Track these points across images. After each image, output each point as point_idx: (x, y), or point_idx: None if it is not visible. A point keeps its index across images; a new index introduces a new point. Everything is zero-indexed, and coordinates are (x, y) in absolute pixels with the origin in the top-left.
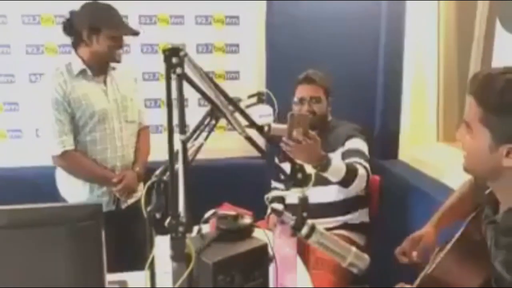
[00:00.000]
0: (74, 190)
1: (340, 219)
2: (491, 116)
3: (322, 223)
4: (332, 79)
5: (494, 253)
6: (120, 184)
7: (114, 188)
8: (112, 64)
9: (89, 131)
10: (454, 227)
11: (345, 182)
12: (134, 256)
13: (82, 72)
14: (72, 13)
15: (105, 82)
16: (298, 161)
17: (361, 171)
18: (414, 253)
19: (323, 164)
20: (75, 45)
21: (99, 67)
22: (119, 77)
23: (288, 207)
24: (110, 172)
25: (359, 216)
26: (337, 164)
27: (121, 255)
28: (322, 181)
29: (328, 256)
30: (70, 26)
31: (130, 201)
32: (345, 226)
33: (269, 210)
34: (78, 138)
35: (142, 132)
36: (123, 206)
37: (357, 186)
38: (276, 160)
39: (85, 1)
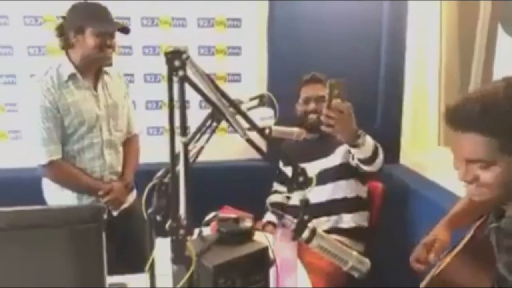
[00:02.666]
0: (61, 200)
1: (333, 218)
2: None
3: (315, 223)
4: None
5: (498, 256)
6: (108, 196)
7: (101, 199)
8: (105, 68)
9: (78, 140)
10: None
11: (370, 159)
12: (133, 260)
13: (72, 77)
14: (63, 17)
15: (96, 88)
16: (338, 135)
17: (380, 149)
18: (431, 256)
19: (362, 138)
20: (65, 48)
21: (90, 71)
22: (112, 83)
23: (289, 209)
24: (98, 182)
25: (355, 218)
26: (369, 139)
27: (120, 261)
28: (318, 181)
29: (319, 260)
30: (61, 30)
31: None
32: (337, 231)
33: (264, 219)
34: (66, 146)
35: (131, 141)
36: (115, 213)
37: (377, 165)
38: (280, 164)
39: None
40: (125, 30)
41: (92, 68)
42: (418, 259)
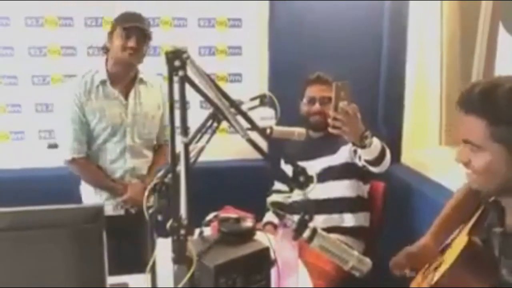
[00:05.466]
0: (87, 189)
1: (335, 216)
2: (504, 129)
3: (316, 221)
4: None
5: (503, 261)
6: (125, 195)
7: (119, 198)
8: (142, 76)
9: (102, 143)
10: None
11: (377, 160)
12: (141, 259)
13: (102, 83)
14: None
15: (126, 96)
16: (346, 137)
17: (387, 150)
18: (407, 271)
19: (369, 139)
20: (106, 57)
21: (122, 78)
22: (147, 92)
23: (289, 206)
24: (115, 183)
25: (357, 218)
26: (376, 140)
27: (128, 258)
28: (320, 179)
29: (318, 261)
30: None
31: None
32: (338, 229)
33: (265, 219)
34: (92, 146)
35: (162, 148)
36: (133, 211)
37: (385, 166)
38: (282, 162)
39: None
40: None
41: (123, 75)
42: (397, 265)
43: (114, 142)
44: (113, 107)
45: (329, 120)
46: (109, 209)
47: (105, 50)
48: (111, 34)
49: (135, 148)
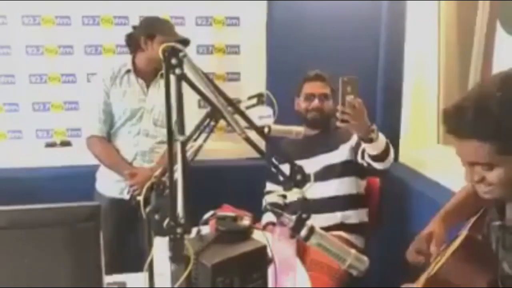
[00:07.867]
0: (102, 169)
1: (338, 214)
2: (507, 143)
3: (319, 219)
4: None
5: (502, 254)
6: (134, 178)
7: (127, 182)
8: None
9: (120, 125)
10: (457, 228)
11: (382, 155)
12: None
13: (127, 72)
14: (133, 27)
15: (148, 86)
16: (353, 130)
17: (391, 147)
18: (432, 247)
19: (375, 132)
20: (133, 52)
21: (147, 71)
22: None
23: (288, 205)
24: (126, 165)
25: (358, 215)
26: (381, 135)
27: (125, 244)
28: (321, 177)
29: (323, 258)
30: (130, 37)
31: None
32: (343, 227)
33: (263, 220)
34: (112, 129)
35: None
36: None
37: (389, 162)
38: (274, 161)
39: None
40: (185, 42)
41: (150, 69)
42: (419, 251)
43: (130, 125)
44: (134, 93)
45: (337, 114)
46: (116, 192)
47: (138, 48)
48: (150, 39)
49: (150, 133)
